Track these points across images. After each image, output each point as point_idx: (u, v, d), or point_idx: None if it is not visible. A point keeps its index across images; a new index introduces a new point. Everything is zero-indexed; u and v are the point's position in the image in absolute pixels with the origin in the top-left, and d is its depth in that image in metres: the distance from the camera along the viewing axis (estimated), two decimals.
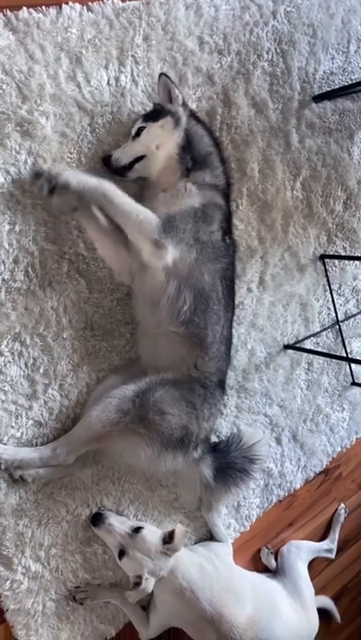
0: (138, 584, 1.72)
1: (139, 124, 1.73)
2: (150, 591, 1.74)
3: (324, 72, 2.27)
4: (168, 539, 1.76)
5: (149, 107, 1.82)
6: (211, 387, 1.78)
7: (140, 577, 1.72)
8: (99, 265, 1.80)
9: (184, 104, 1.79)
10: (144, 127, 1.72)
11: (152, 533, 1.78)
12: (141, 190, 1.82)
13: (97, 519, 1.79)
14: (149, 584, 1.72)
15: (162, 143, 1.72)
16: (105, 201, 1.61)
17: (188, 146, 1.75)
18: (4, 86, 1.61)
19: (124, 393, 1.67)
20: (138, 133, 1.73)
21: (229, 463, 1.91)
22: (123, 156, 1.72)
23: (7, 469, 1.67)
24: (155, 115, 1.74)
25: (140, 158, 1.73)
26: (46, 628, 1.79)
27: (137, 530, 1.77)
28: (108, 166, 1.73)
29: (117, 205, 1.61)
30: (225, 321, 1.80)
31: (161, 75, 1.77)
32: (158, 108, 1.76)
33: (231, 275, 1.84)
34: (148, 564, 1.73)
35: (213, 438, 2.02)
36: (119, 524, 1.79)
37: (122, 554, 1.75)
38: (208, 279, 1.71)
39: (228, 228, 1.82)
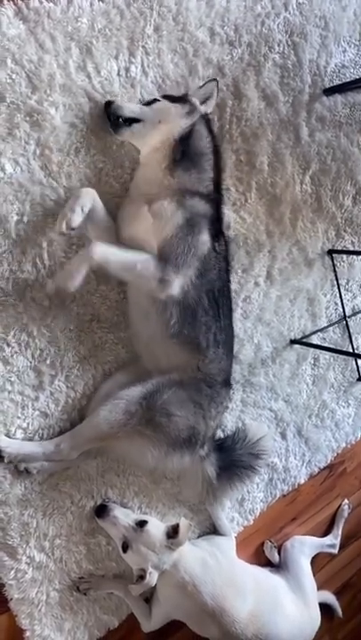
0: (142, 577, 1.73)
1: (156, 96, 1.75)
2: (154, 585, 1.74)
3: (335, 65, 2.24)
4: (172, 533, 1.77)
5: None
6: (217, 386, 1.79)
7: (143, 570, 1.73)
8: None
9: (206, 112, 1.79)
10: (159, 100, 1.72)
11: (156, 527, 1.78)
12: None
13: (101, 511, 1.80)
14: (153, 578, 1.73)
15: (166, 120, 1.69)
16: (101, 265, 1.58)
17: (187, 140, 1.71)
18: (14, 76, 1.60)
19: (131, 394, 1.67)
20: (150, 103, 1.73)
21: (235, 461, 1.92)
22: (125, 107, 1.68)
23: (9, 463, 1.68)
24: (176, 98, 1.75)
25: (139, 121, 1.69)
26: (50, 618, 1.80)
27: (141, 523, 1.77)
28: (106, 111, 1.69)
29: (114, 265, 1.59)
30: (216, 328, 1.76)
31: (212, 80, 1.80)
32: (183, 96, 1.77)
33: (222, 281, 1.80)
34: (152, 557, 1.73)
35: (219, 433, 2.02)
36: (123, 516, 1.79)
37: (126, 547, 1.76)
38: (194, 295, 1.69)
39: (217, 234, 1.76)
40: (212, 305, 1.74)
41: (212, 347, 1.76)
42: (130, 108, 1.69)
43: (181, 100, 1.74)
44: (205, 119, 1.79)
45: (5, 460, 1.66)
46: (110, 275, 1.65)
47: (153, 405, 1.66)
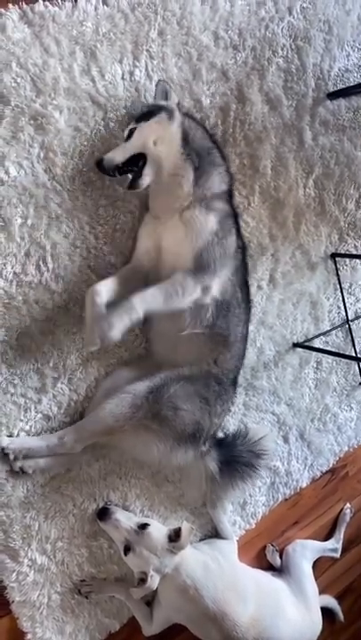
0: (143, 580, 1.73)
1: (130, 126, 1.67)
2: (155, 588, 1.74)
3: (339, 69, 2.24)
4: (174, 536, 1.77)
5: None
6: (226, 383, 1.79)
7: (145, 573, 1.73)
8: (110, 261, 1.80)
9: (178, 104, 1.75)
10: (135, 128, 1.65)
11: (158, 530, 1.78)
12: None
13: (103, 514, 1.80)
14: (154, 581, 1.73)
15: (160, 138, 1.63)
16: (148, 313, 1.57)
17: (187, 141, 1.67)
18: (19, 80, 1.60)
19: (138, 388, 1.67)
20: (129, 135, 1.66)
21: (235, 457, 1.91)
22: (115, 155, 1.63)
23: (15, 459, 1.67)
24: (147, 115, 1.66)
25: (141, 160, 1.63)
26: (51, 621, 1.80)
27: (143, 526, 1.77)
28: (101, 170, 1.64)
29: (158, 306, 1.57)
30: (244, 322, 1.81)
31: (160, 82, 1.74)
32: (151, 108, 1.69)
33: (245, 276, 1.84)
34: (154, 561, 1.73)
35: (220, 434, 2.02)
36: (125, 519, 1.79)
37: (127, 549, 1.76)
38: (230, 290, 1.72)
39: (238, 230, 1.79)
40: (244, 297, 1.78)
41: (238, 341, 1.79)
42: (120, 153, 1.63)
43: (153, 111, 1.66)
44: (185, 114, 1.75)
45: (11, 457, 1.66)
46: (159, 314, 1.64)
47: (159, 399, 1.66)
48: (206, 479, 1.87)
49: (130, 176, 1.66)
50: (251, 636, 1.86)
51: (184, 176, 1.65)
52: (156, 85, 1.75)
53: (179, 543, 1.75)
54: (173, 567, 1.78)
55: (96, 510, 1.84)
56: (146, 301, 1.55)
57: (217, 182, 1.71)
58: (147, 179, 1.65)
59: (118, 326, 1.51)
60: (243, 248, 1.82)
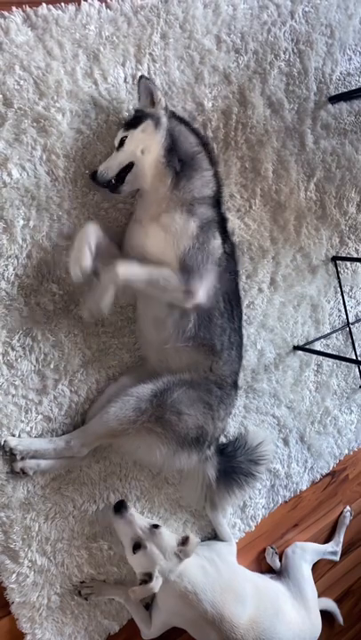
0: (145, 582, 1.72)
1: (121, 134, 1.68)
2: (156, 591, 1.74)
3: (340, 73, 2.26)
4: (181, 543, 1.77)
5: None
6: (227, 387, 1.80)
7: (148, 575, 1.73)
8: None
9: (165, 107, 1.72)
10: (126, 136, 1.66)
11: (168, 534, 1.79)
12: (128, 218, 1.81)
13: (121, 506, 1.78)
14: (158, 583, 1.72)
15: (146, 147, 1.65)
16: (127, 283, 1.60)
17: (173, 147, 1.67)
18: (22, 82, 1.61)
19: (142, 392, 1.68)
20: (121, 143, 1.67)
21: (235, 467, 1.92)
22: (108, 167, 1.66)
23: (22, 459, 1.68)
24: (135, 121, 1.68)
25: (128, 168, 1.66)
26: (51, 622, 1.80)
27: (155, 526, 1.77)
28: (96, 182, 1.68)
29: (139, 282, 1.60)
30: (230, 330, 1.79)
31: (141, 77, 1.70)
32: (138, 114, 1.70)
33: (234, 282, 1.82)
34: (161, 562, 1.73)
35: (221, 438, 2.02)
36: (139, 516, 1.79)
37: (137, 547, 1.75)
38: (212, 298, 1.71)
39: (225, 235, 1.77)
40: (227, 307, 1.76)
41: (226, 349, 1.77)
42: (112, 164, 1.67)
43: (140, 118, 1.67)
44: (172, 115, 1.74)
45: (18, 457, 1.66)
46: (136, 290, 1.66)
47: (163, 403, 1.67)
48: (202, 485, 1.88)
49: (113, 181, 1.68)
50: (250, 637, 1.86)
51: (162, 181, 1.66)
52: (138, 83, 1.71)
53: (187, 548, 1.75)
54: (177, 574, 1.78)
55: (113, 503, 1.81)
56: (128, 271, 1.58)
57: (198, 187, 1.70)
58: (128, 185, 1.69)
59: (108, 289, 1.57)
60: (232, 254, 1.80)
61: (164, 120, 1.68)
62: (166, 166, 1.66)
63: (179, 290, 1.62)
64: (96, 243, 1.62)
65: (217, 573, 1.88)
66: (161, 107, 1.70)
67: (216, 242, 1.70)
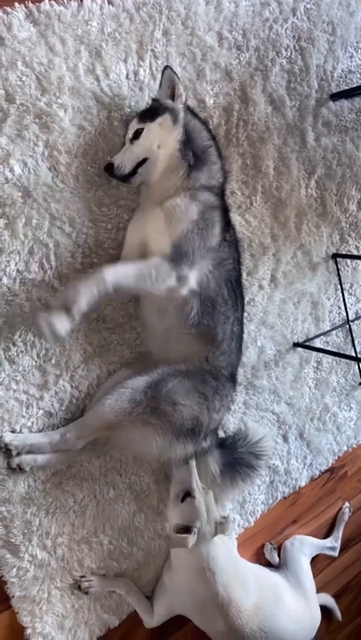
0: (183, 532, 1.71)
1: (136, 126, 1.68)
2: (189, 546, 1.70)
3: (342, 70, 2.26)
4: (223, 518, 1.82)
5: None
6: (222, 379, 1.80)
7: (185, 528, 1.72)
8: (111, 260, 1.81)
9: (185, 101, 1.74)
10: (142, 129, 1.66)
11: (215, 504, 1.81)
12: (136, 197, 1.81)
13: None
14: (193, 540, 1.70)
15: (163, 142, 1.66)
16: (117, 288, 1.55)
17: (188, 141, 1.69)
18: (24, 78, 1.61)
19: (136, 384, 1.68)
20: (136, 135, 1.67)
21: (236, 459, 1.93)
22: (125, 161, 1.67)
23: (17, 455, 1.68)
24: (152, 113, 1.68)
25: (142, 161, 1.68)
26: (51, 616, 1.81)
27: (207, 489, 1.81)
28: (111, 175, 1.68)
29: (129, 282, 1.57)
30: (234, 319, 1.80)
31: (166, 67, 1.70)
32: (155, 105, 1.70)
33: (237, 272, 1.82)
34: (203, 521, 1.75)
35: (220, 434, 2.03)
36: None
37: (188, 495, 1.76)
38: (214, 285, 1.71)
39: (226, 225, 1.77)
40: (230, 295, 1.76)
41: (227, 339, 1.78)
42: (129, 158, 1.67)
43: (158, 110, 1.67)
44: (188, 109, 1.75)
45: (13, 453, 1.67)
46: (128, 294, 1.65)
47: (158, 394, 1.67)
48: (206, 479, 1.88)
49: None
50: (254, 623, 1.87)
51: (174, 173, 1.68)
52: (163, 72, 1.71)
53: (226, 524, 1.79)
54: (208, 545, 1.79)
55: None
56: (117, 275, 1.54)
57: (205, 176, 1.72)
58: (139, 177, 1.71)
59: (86, 296, 1.50)
60: (235, 243, 1.81)
61: (182, 115, 1.69)
62: (181, 159, 1.68)
63: (170, 277, 1.60)
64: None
65: (230, 559, 1.92)
66: (181, 101, 1.70)
67: (215, 229, 1.70)
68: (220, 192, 1.78)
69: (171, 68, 1.70)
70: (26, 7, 1.61)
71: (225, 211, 1.78)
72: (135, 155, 1.67)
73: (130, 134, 1.70)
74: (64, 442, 1.71)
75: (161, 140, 1.67)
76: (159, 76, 1.81)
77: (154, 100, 1.74)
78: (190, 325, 1.72)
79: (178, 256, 1.61)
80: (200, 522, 1.74)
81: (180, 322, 1.71)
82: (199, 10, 1.89)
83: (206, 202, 1.68)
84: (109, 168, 1.68)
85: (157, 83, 1.81)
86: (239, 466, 1.92)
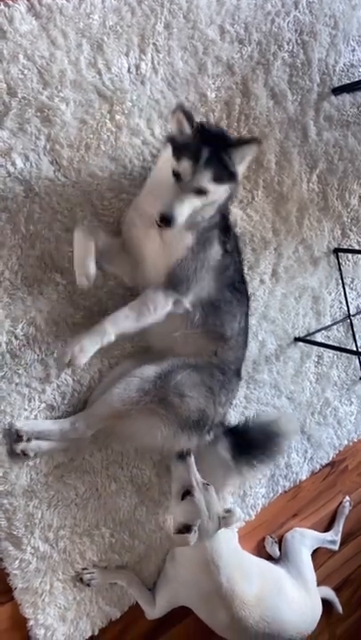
0: (181, 532, 1.73)
1: (207, 183, 1.48)
2: (191, 544, 1.71)
3: (344, 64, 2.25)
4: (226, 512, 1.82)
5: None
6: (229, 373, 1.81)
7: (187, 527, 1.73)
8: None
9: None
10: (210, 191, 1.50)
11: (216, 498, 1.81)
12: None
13: (184, 453, 1.80)
14: (194, 538, 1.72)
15: (217, 201, 1.57)
16: (121, 334, 1.60)
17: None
18: (26, 72, 1.61)
19: (146, 373, 1.70)
20: (202, 192, 1.49)
21: (250, 442, 1.90)
22: (184, 214, 1.49)
23: (29, 440, 1.70)
24: (224, 175, 1.50)
25: None
26: (53, 608, 1.82)
27: (208, 484, 1.81)
28: (165, 225, 1.48)
29: (131, 325, 1.60)
30: (240, 315, 1.81)
31: (254, 140, 1.54)
32: (230, 168, 1.51)
33: (239, 273, 1.82)
34: (204, 518, 1.76)
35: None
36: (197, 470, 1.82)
37: (187, 493, 1.77)
38: (215, 293, 1.72)
39: (225, 233, 1.72)
40: (234, 295, 1.77)
41: (235, 335, 1.80)
42: (188, 212, 1.50)
43: (230, 176, 1.52)
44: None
45: (24, 439, 1.68)
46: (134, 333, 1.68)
47: (167, 385, 1.68)
48: (220, 467, 1.89)
49: None
50: (257, 614, 1.89)
51: None
52: (250, 140, 1.54)
53: (230, 518, 1.80)
54: (211, 539, 1.80)
55: (177, 452, 1.82)
56: (118, 324, 1.58)
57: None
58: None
59: (89, 349, 1.54)
60: (235, 248, 1.80)
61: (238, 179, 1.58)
62: None
63: (167, 303, 1.63)
64: (95, 246, 1.61)
65: (233, 552, 1.94)
66: (239, 169, 1.55)
67: (214, 248, 1.68)
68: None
69: (260, 142, 1.55)
70: (28, 0, 1.61)
71: (223, 217, 1.72)
72: (194, 210, 1.52)
73: (198, 187, 1.49)
74: (74, 430, 1.72)
75: (220, 203, 1.61)
76: (161, 70, 1.81)
77: (228, 160, 1.50)
78: (196, 326, 1.74)
79: (172, 285, 1.63)
80: (201, 519, 1.75)
81: (185, 325, 1.73)
82: (201, 3, 1.89)
83: (202, 226, 1.63)
84: (167, 220, 1.47)
85: (159, 76, 1.81)
86: (252, 448, 1.89)
